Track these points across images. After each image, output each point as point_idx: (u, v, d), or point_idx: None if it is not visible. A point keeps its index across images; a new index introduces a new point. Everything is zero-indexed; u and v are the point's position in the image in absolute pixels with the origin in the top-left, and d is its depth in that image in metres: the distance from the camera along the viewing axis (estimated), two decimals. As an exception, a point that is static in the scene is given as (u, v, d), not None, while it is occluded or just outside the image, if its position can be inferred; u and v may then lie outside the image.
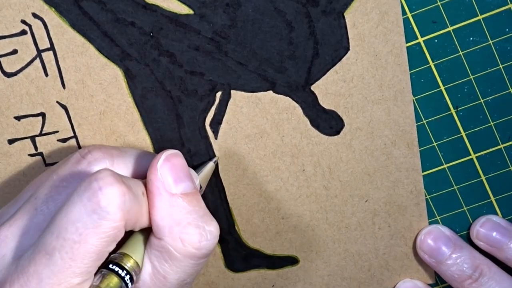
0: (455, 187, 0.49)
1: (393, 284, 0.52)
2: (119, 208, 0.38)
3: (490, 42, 0.46)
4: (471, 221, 0.50)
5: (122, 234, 0.39)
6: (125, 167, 0.43)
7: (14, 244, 0.40)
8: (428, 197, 0.50)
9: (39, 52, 0.46)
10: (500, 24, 0.46)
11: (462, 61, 0.47)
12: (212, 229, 0.41)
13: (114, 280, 0.39)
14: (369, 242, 0.51)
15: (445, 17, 0.46)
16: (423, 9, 0.46)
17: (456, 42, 0.46)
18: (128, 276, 0.39)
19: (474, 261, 0.49)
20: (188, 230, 0.40)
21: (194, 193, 0.42)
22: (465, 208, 0.50)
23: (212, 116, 0.47)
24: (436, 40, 0.46)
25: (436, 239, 0.49)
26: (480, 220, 0.50)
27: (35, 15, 0.45)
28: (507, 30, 0.46)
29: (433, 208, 0.50)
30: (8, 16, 0.45)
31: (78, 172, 0.42)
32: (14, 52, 0.46)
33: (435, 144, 0.48)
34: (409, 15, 0.46)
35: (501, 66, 0.47)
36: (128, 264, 0.39)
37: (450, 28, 0.46)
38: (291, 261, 0.51)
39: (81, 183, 0.39)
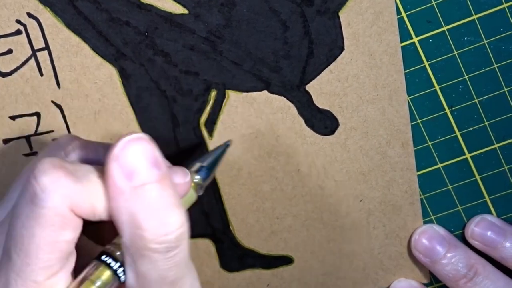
0: (450, 187, 0.49)
1: (388, 283, 0.52)
2: (54, 192, 0.36)
3: (485, 41, 0.46)
4: (466, 221, 0.50)
5: (73, 221, 0.37)
6: (85, 155, 0.41)
7: None
8: (422, 196, 0.50)
9: (34, 51, 0.46)
10: (494, 23, 0.46)
11: (456, 61, 0.47)
12: (170, 220, 0.37)
13: (106, 272, 0.37)
14: (364, 241, 0.51)
15: (440, 17, 0.46)
16: (418, 9, 0.46)
17: (451, 42, 0.46)
18: (121, 269, 0.37)
19: (469, 261, 0.49)
20: (143, 225, 0.37)
21: (158, 181, 0.38)
22: (459, 208, 0.50)
23: (207, 116, 0.47)
24: (430, 40, 0.46)
25: (430, 239, 0.49)
26: (475, 220, 0.50)
27: (30, 15, 0.45)
28: (501, 29, 0.46)
29: (428, 208, 0.50)
30: (3, 15, 0.45)
31: None
32: (9, 51, 0.46)
33: (429, 143, 0.49)
34: (403, 14, 0.46)
35: (495, 66, 0.47)
36: (118, 253, 0.37)
37: (444, 28, 0.46)
38: (286, 260, 0.51)
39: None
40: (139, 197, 0.37)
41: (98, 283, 0.37)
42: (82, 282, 0.37)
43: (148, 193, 0.37)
